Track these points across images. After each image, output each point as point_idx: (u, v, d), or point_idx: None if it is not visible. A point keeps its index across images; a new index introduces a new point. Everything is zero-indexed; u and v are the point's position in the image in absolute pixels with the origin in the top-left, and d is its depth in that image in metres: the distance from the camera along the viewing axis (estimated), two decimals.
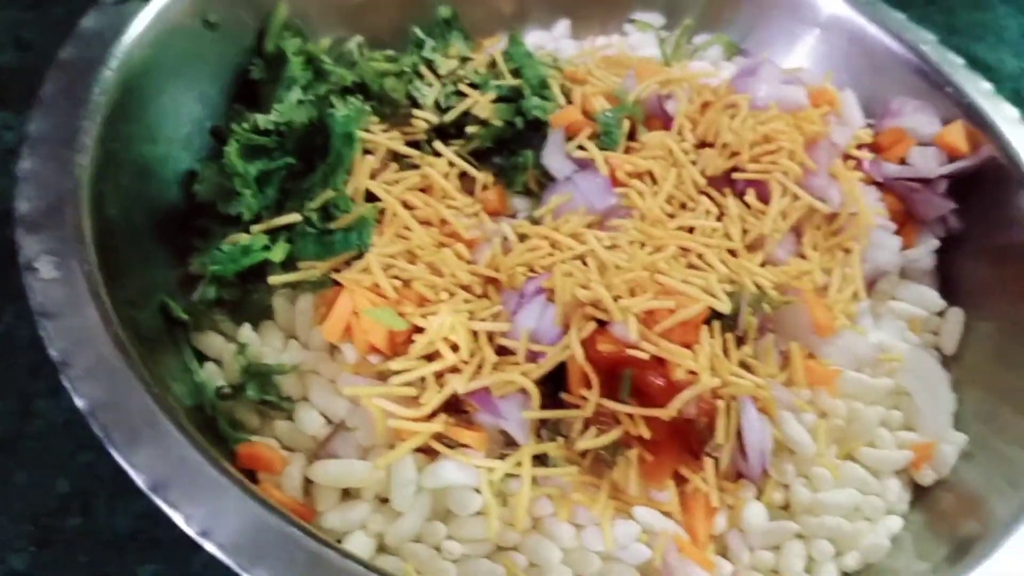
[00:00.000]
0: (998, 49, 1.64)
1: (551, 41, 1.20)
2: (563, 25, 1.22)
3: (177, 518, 0.63)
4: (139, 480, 0.64)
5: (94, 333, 0.70)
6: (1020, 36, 1.68)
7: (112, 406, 0.67)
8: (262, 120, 0.92)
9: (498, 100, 1.01)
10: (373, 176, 0.92)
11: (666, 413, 0.78)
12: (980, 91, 1.06)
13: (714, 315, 0.84)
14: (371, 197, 0.91)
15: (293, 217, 0.89)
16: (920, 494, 0.91)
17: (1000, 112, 1.04)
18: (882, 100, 1.10)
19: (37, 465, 0.88)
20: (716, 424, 0.80)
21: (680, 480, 0.82)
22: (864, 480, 0.87)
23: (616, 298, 0.81)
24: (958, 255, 1.04)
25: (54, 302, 0.71)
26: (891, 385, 0.92)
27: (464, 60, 1.07)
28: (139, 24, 0.91)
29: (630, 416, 0.79)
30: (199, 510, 0.63)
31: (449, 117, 0.99)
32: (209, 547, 0.62)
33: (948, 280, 1.04)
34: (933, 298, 1.01)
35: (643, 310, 0.80)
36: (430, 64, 1.05)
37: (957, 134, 1.04)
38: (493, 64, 1.06)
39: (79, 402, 0.66)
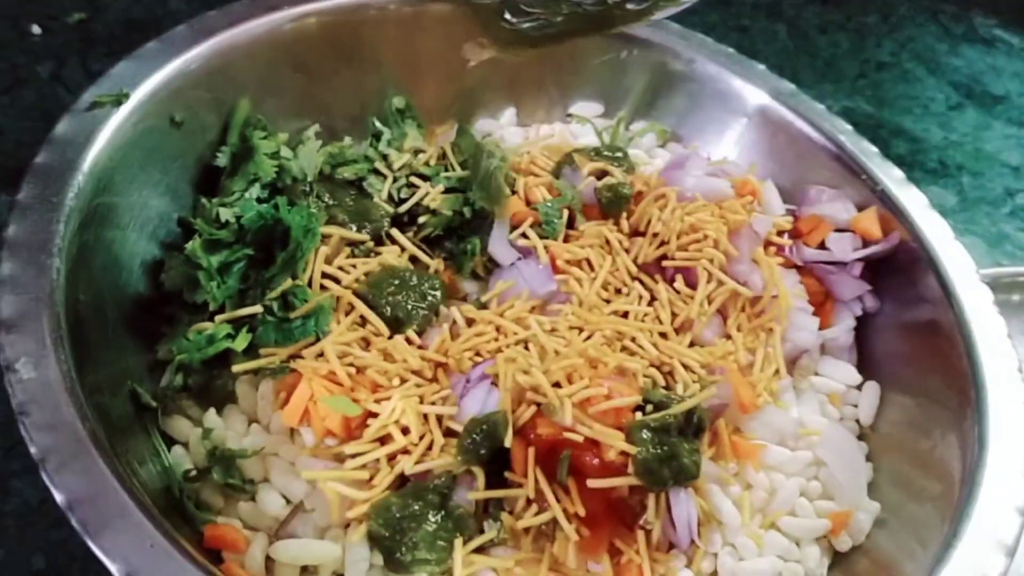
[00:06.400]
0: (925, 120, 1.72)
1: (498, 128, 1.26)
2: (509, 113, 1.28)
3: None
4: (114, 569, 0.69)
5: (70, 429, 0.75)
6: (946, 108, 1.76)
7: (88, 499, 0.71)
8: (223, 213, 0.98)
9: (447, 191, 1.08)
10: (329, 262, 0.98)
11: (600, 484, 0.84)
12: (892, 178, 1.13)
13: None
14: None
15: (255, 308, 0.94)
16: (838, 559, 0.96)
17: (910, 198, 1.11)
18: (804, 184, 1.17)
19: (13, 542, 0.92)
20: (647, 500, 0.86)
21: (615, 552, 0.87)
22: (786, 548, 0.93)
23: (555, 384, 0.87)
24: (874, 331, 1.10)
25: (32, 401, 0.75)
26: (810, 457, 0.98)
27: (417, 152, 1.14)
28: (109, 128, 0.96)
29: (568, 494, 0.85)
30: None
31: (403, 209, 1.07)
32: None
33: (865, 355, 1.10)
34: (851, 373, 1.07)
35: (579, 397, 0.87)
36: (386, 159, 1.12)
37: (870, 220, 1.11)
38: (444, 155, 1.13)
39: (58, 497, 0.71)
